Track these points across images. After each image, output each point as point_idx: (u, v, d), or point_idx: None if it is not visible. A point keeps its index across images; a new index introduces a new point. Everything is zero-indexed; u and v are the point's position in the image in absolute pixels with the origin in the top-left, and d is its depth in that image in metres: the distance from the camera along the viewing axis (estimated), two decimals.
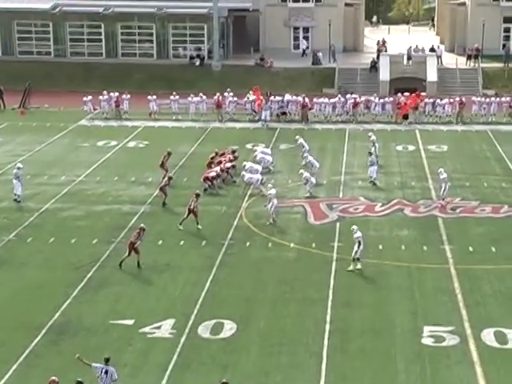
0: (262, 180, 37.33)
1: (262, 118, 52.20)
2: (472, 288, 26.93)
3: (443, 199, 35.52)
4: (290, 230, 32.72)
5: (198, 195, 32.95)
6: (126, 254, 28.60)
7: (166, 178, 36.44)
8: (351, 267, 28.15)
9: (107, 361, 19.83)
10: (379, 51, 67.30)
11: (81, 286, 27.17)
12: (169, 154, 39.67)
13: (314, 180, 36.85)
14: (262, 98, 53.15)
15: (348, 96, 54.19)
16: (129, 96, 54.15)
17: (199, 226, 32.38)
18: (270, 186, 34.98)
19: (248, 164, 38.30)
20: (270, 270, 28.65)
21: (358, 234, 28.35)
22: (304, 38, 70.69)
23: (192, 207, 32.33)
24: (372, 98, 53.60)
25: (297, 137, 43.60)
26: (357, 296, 26.41)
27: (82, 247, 30.72)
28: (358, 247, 28.21)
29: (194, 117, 53.45)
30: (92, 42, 69.08)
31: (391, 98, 54.12)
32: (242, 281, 27.76)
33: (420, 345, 23.10)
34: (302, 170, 37.48)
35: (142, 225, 29.55)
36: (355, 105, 52.88)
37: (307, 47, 69.47)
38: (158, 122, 52.98)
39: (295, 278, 27.95)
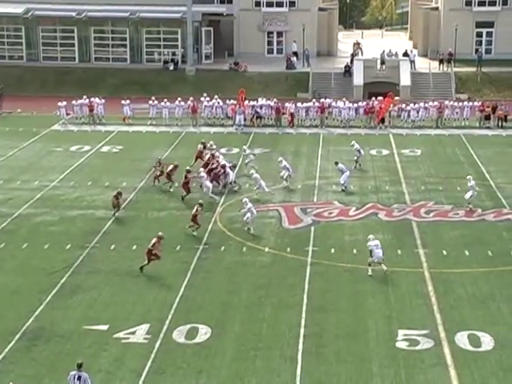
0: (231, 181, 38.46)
1: (236, 122, 52.19)
2: (446, 291, 27.06)
3: (468, 204, 35.51)
4: (264, 234, 32.71)
5: (201, 204, 32.95)
6: (146, 262, 28.58)
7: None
8: (370, 272, 28.29)
9: (80, 366, 19.67)
10: (353, 55, 67.52)
11: (54, 292, 26.98)
12: (175, 166, 39.22)
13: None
14: (241, 102, 53.12)
15: (322, 100, 54.38)
16: (103, 101, 53.96)
17: (194, 233, 32.31)
18: (244, 200, 33.65)
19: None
20: (244, 275, 28.61)
21: (373, 242, 28.42)
22: (294, 41, 70.46)
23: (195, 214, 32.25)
24: (341, 103, 53.75)
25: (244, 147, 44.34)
26: (331, 300, 26.44)
27: (56, 253, 30.52)
28: (371, 255, 28.30)
29: (168, 121, 53.36)
30: (65, 46, 68.78)
31: (364, 102, 54.25)
32: (216, 285, 27.71)
33: (394, 348, 23.17)
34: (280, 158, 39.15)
35: (160, 233, 29.30)
36: (322, 109, 53.01)
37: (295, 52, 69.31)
38: (132, 126, 52.81)
39: (270, 282, 27.93)
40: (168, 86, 61.87)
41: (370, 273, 28.13)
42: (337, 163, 39.48)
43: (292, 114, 52.84)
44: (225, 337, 23.94)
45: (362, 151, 42.74)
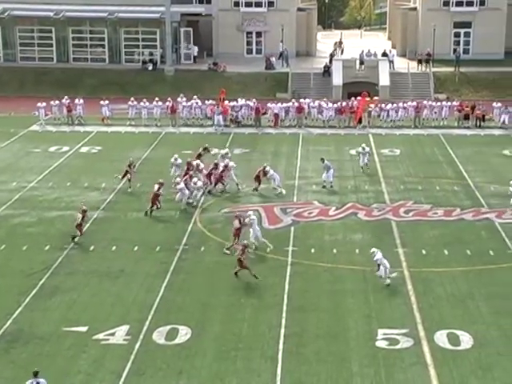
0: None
1: (215, 122, 52.13)
2: (425, 291, 27.15)
3: None
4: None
5: (161, 184, 34.60)
6: (237, 267, 28.13)
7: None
8: (388, 281, 27.40)
9: (36, 374, 19.49)
10: (332, 55, 67.63)
11: (33, 294, 26.82)
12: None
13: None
14: (220, 102, 53.09)
15: (301, 100, 54.48)
16: (82, 101, 53.74)
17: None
18: (250, 212, 32.04)
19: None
20: (224, 275, 28.56)
21: (378, 255, 27.47)
22: (281, 41, 70.45)
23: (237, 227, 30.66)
24: (323, 103, 53.87)
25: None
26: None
27: (34, 254, 30.33)
28: (378, 269, 27.52)
29: (147, 122, 53.23)
30: (43, 46, 68.39)
31: (338, 104, 54.20)
32: (196, 286, 27.65)
33: (374, 348, 23.21)
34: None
35: (245, 241, 28.93)
36: (300, 109, 53.08)
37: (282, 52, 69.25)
38: (110, 127, 52.63)
39: (250, 282, 27.89)
40: (147, 86, 61.72)
41: (388, 282, 27.25)
42: (323, 160, 39.36)
43: (276, 115, 52.84)
44: (205, 337, 23.90)
45: (367, 157, 41.85)
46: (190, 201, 35.91)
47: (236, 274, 28.00)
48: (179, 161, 39.43)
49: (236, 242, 30.07)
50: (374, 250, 27.74)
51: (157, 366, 22.22)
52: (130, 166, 38.75)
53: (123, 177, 38.58)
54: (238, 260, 27.84)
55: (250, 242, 29.72)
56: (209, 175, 38.33)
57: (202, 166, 38.99)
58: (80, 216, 31.66)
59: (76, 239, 31.29)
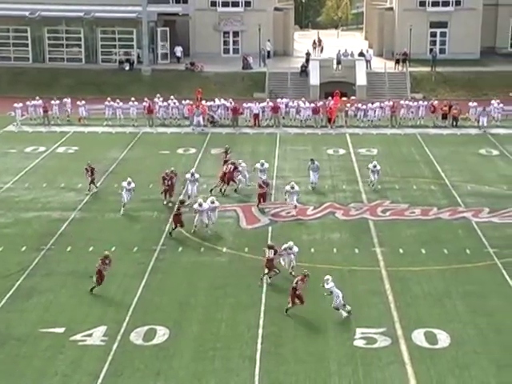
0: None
1: (194, 123, 52.01)
2: (403, 290, 27.24)
3: None
4: (222, 234, 32.65)
5: (182, 202, 33.15)
6: (271, 272, 27.53)
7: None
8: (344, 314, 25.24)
9: None
10: (308, 55, 67.72)
11: (9, 295, 26.64)
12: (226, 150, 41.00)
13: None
14: (198, 102, 53.02)
15: (278, 100, 54.54)
16: (58, 101, 53.49)
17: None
18: (290, 243, 28.58)
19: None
20: (202, 275, 28.52)
21: (330, 284, 25.24)
22: (268, 40, 70.54)
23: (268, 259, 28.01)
24: (301, 103, 53.95)
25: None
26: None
27: (11, 255, 30.12)
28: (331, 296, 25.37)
29: (124, 122, 53.07)
30: (18, 46, 68.04)
31: (312, 104, 54.24)
32: (174, 286, 27.58)
33: (352, 347, 23.26)
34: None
35: (291, 247, 27.98)
36: (276, 109, 53.10)
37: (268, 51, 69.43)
38: (87, 127, 52.39)
39: (228, 282, 27.88)
40: (124, 86, 61.52)
41: (345, 315, 25.10)
42: (313, 161, 39.11)
43: (256, 115, 52.82)
44: (183, 338, 23.84)
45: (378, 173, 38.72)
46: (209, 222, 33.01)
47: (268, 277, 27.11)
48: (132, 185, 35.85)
49: (267, 274, 27.72)
50: (327, 277, 25.31)
51: (134, 366, 22.14)
52: (91, 170, 37.79)
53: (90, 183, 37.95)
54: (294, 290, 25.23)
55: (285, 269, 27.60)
56: (223, 175, 38.14)
57: (243, 164, 38.86)
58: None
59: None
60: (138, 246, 31.17)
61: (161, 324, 24.52)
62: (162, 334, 23.99)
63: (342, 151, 46.79)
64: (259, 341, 23.60)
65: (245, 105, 53.57)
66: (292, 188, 34.91)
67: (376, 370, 22.05)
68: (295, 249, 28.18)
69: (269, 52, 70.00)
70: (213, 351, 23.00)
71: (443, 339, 23.68)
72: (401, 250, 30.87)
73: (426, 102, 54.38)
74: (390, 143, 48.87)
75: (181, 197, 35.78)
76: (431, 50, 68.49)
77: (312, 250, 30.77)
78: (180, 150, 46.37)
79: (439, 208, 35.96)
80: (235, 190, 38.11)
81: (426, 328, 24.33)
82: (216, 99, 54.40)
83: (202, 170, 41.96)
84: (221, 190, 37.96)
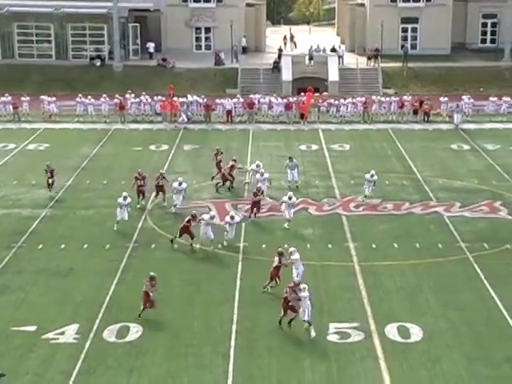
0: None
1: (180, 120, 51.74)
2: (375, 284, 27.32)
3: None
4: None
5: (194, 216, 30.54)
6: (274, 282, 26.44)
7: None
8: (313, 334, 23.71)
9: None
10: (280, 51, 67.71)
11: None
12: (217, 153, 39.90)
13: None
14: (169, 98, 52.84)
15: (251, 96, 54.51)
16: (28, 98, 53.06)
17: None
18: (292, 249, 27.51)
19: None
20: (176, 272, 28.45)
21: (306, 293, 23.82)
22: (243, 36, 70.44)
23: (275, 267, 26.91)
24: (273, 99, 53.99)
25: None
26: (263, 295, 26.42)
27: None
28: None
29: (95, 118, 52.78)
30: None
31: (285, 100, 54.33)
32: None
33: (326, 342, 23.29)
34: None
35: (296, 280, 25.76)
36: (251, 105, 53.08)
37: None
38: (58, 124, 52.03)
39: (201, 279, 27.82)
40: (95, 82, 61.11)
41: (313, 334, 23.59)
42: (291, 158, 38.70)
43: (229, 111, 52.75)
44: (156, 335, 23.75)
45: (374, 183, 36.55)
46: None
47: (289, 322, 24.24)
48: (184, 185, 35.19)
49: (270, 284, 26.68)
50: (304, 286, 23.94)
51: (107, 364, 22.01)
52: (51, 172, 36.83)
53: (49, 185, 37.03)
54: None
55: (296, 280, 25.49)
56: (223, 175, 37.90)
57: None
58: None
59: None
60: (110, 243, 31.00)
61: (134, 321, 24.39)
62: (135, 331, 23.88)
63: (314, 147, 46.84)
64: (233, 336, 23.57)
65: (217, 101, 53.48)
66: (290, 199, 32.86)
67: (349, 364, 22.10)
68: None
69: (244, 48, 69.90)
70: (186, 348, 22.93)
71: (416, 333, 23.78)
72: (373, 245, 30.96)
73: (397, 98, 54.57)
74: (363, 139, 49.00)
75: (152, 200, 35.18)
76: (402, 45, 68.69)
77: (285, 245, 30.69)
78: (152, 147, 46.19)
79: (411, 203, 36.12)
80: (229, 188, 37.82)
81: (398, 322, 24.42)
82: (188, 95, 54.25)
83: (174, 166, 41.91)
84: (229, 188, 37.82)
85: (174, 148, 46.03)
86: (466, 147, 46.62)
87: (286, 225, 32.78)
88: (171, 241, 30.91)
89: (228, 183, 37.96)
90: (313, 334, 23.47)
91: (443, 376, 21.55)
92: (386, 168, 42.05)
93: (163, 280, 27.69)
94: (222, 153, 40.07)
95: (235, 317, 24.81)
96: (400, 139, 48.32)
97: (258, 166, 37.90)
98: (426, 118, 53.12)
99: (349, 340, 23.40)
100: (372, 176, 36.16)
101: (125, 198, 32.50)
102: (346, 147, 46.68)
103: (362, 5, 72.94)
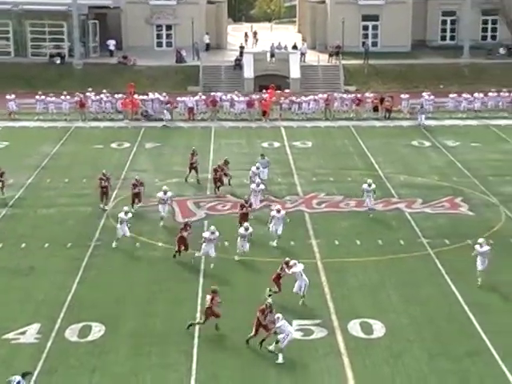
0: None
1: (166, 117, 51.46)
2: (338, 281, 27.41)
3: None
4: (157, 229, 32.40)
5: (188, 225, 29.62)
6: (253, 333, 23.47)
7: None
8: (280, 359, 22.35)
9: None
10: (242, 48, 67.67)
11: None
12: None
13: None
14: (130, 96, 52.57)
15: (213, 93, 54.43)
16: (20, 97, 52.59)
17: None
18: (293, 262, 26.19)
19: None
20: (138, 270, 28.31)
21: (281, 322, 22.28)
22: (206, 33, 70.29)
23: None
24: (235, 96, 54.00)
25: None
26: (227, 293, 26.25)
27: None
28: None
29: (56, 116, 52.34)
30: None
31: (246, 97, 54.34)
32: (109, 282, 27.30)
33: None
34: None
35: (269, 300, 23.70)
36: (214, 103, 53.00)
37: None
38: (18, 122, 51.49)
39: (164, 277, 27.71)
40: (55, 80, 60.53)
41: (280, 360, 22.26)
42: (263, 156, 38.55)
43: (190, 108, 52.59)
44: (119, 333, 23.61)
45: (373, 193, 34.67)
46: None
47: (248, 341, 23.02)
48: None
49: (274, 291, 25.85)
50: (278, 315, 22.49)
51: (69, 364, 21.83)
52: (1, 174, 36.03)
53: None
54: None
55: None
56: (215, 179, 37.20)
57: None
58: None
59: None
60: (72, 241, 30.75)
61: (96, 320, 24.22)
62: (97, 330, 23.71)
63: (276, 144, 46.90)
64: (196, 335, 23.50)
65: (179, 98, 53.32)
66: (278, 212, 30.98)
67: (313, 361, 22.15)
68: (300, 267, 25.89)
69: (208, 45, 69.73)
70: (149, 347, 22.82)
71: (378, 329, 23.91)
72: (336, 242, 31.07)
73: (359, 95, 54.88)
74: (324, 136, 49.16)
75: (138, 205, 34.03)
76: (363, 42, 69.09)
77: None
78: (114, 145, 45.94)
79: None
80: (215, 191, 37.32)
81: (361, 318, 24.53)
82: (149, 93, 54.04)
83: (136, 164, 41.75)
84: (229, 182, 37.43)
85: (135, 146, 45.80)
86: (427, 144, 46.99)
87: (274, 243, 30.66)
88: (174, 256, 29.09)
89: (224, 181, 37.22)
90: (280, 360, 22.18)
91: (405, 371, 21.69)
92: (348, 165, 42.23)
93: (125, 279, 27.62)
94: (197, 154, 39.51)
95: (198, 315, 24.71)
96: (361, 136, 48.56)
97: (257, 168, 37.02)
98: (387, 115, 53.46)
99: (312, 337, 23.46)
100: (370, 185, 34.11)
101: (126, 212, 30.32)
102: (307, 144, 46.80)
103: (323, 2, 73.12)
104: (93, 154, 43.66)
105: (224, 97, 54.09)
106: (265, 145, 46.52)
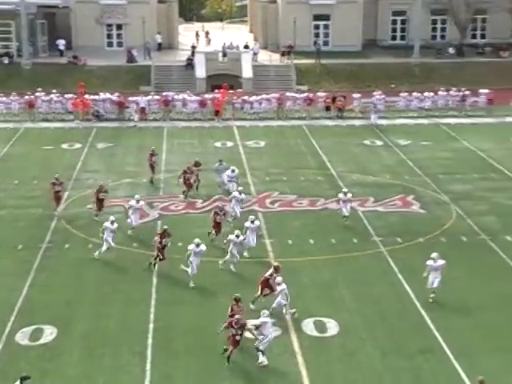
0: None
1: (135, 118, 50.99)
2: (292, 280, 27.27)
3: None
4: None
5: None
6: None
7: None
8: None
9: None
10: (194, 47, 67.46)
11: None
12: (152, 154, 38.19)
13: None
14: (80, 96, 52.12)
15: (165, 93, 54.22)
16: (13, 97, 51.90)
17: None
18: (279, 279, 25.02)
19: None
20: (90, 272, 28.04)
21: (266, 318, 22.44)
22: (158, 33, 69.91)
23: None
24: (187, 96, 53.86)
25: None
26: (179, 294, 26.30)
27: None
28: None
29: (7, 117, 51.70)
30: None
31: (207, 95, 54.40)
32: (61, 284, 27.01)
33: (243, 339, 23.20)
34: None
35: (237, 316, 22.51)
36: (166, 102, 52.78)
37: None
38: None
39: (117, 278, 27.50)
40: (3, 80, 59.64)
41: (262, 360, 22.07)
42: (221, 162, 37.75)
43: (143, 108, 52.28)
44: (71, 336, 23.36)
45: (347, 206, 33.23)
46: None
47: (225, 351, 22.17)
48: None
49: (260, 296, 25.31)
50: (265, 311, 22.71)
51: (20, 368, 21.45)
52: None
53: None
54: (232, 338, 21.94)
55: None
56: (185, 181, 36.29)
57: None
58: None
59: None
60: (22, 243, 30.36)
61: (48, 323, 23.93)
62: (49, 333, 23.43)
63: (229, 144, 46.85)
64: (150, 335, 23.37)
65: (131, 98, 52.98)
66: (252, 222, 29.64)
67: (267, 360, 22.08)
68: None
69: (160, 44, 69.37)
70: (102, 348, 22.61)
71: (332, 327, 24.00)
72: (289, 241, 31.11)
73: (311, 94, 55.08)
74: (277, 135, 49.24)
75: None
76: (315, 42, 69.36)
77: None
78: (64, 145, 45.48)
79: (326, 198, 36.42)
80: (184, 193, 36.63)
81: (315, 317, 24.59)
82: (101, 93, 53.62)
83: (87, 165, 41.37)
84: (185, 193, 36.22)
85: (87, 146, 45.40)
86: (379, 143, 47.32)
87: (245, 253, 29.29)
88: (149, 265, 28.02)
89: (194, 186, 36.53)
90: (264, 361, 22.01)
91: (359, 369, 21.80)
92: (301, 164, 42.34)
93: (78, 280, 27.34)
94: (157, 154, 39.20)
95: (152, 316, 24.59)
96: (314, 135, 48.72)
97: (233, 171, 36.22)
98: (339, 114, 53.73)
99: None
100: (346, 194, 33.08)
101: (112, 222, 29.13)
102: (260, 144, 46.83)
103: (274, 2, 73.25)
104: (43, 155, 43.17)
105: (176, 96, 53.89)
106: (218, 144, 46.44)
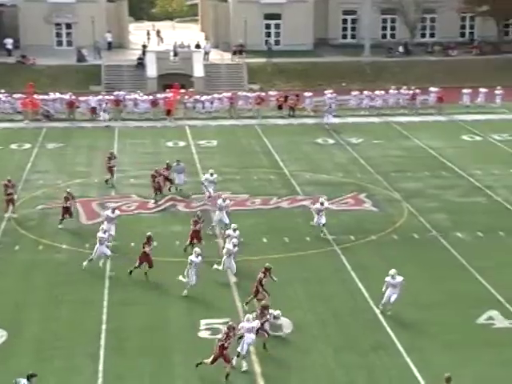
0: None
1: (101, 118, 50.32)
2: (246, 279, 27.35)
3: None
4: (61, 231, 31.76)
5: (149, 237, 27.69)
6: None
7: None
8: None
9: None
10: (144, 47, 67.11)
11: None
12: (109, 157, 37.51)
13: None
14: (29, 96, 51.53)
15: (116, 93, 53.85)
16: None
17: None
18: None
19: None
20: (41, 273, 27.71)
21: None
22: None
23: None
24: (138, 96, 53.61)
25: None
26: (133, 294, 26.11)
27: None
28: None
29: None
30: None
31: (158, 95, 54.22)
32: (11, 286, 26.65)
33: (197, 338, 23.18)
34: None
35: (230, 322, 22.05)
36: (117, 102, 52.43)
37: None
38: None
39: (68, 279, 27.20)
40: None
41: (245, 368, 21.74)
42: (179, 162, 37.46)
43: (93, 108, 51.85)
44: (21, 339, 23.04)
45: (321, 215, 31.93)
46: None
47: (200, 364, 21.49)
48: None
49: (253, 298, 25.07)
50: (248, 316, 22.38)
51: None
52: None
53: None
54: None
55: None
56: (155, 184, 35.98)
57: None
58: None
59: None
60: None
61: None
62: None
63: (181, 143, 46.67)
64: (102, 336, 23.16)
65: (81, 98, 52.50)
66: (234, 231, 28.94)
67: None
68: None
69: (110, 43, 68.87)
70: (53, 350, 22.35)
71: (286, 326, 23.99)
72: (242, 240, 31.00)
73: (263, 93, 55.13)
74: (229, 134, 49.18)
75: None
76: (266, 41, 69.48)
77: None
78: (13, 146, 44.89)
79: (279, 197, 36.47)
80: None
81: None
82: (51, 93, 53.06)
83: (37, 165, 40.91)
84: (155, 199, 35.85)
85: (36, 146, 44.87)
86: (331, 141, 47.54)
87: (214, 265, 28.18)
88: (130, 272, 27.26)
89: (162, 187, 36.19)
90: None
91: (312, 367, 21.85)
92: (254, 163, 42.34)
93: (28, 283, 26.98)
94: (115, 157, 38.73)
95: (104, 317, 24.38)
96: (266, 134, 48.77)
97: (211, 174, 35.66)
98: (291, 113, 53.85)
99: (220, 336, 23.30)
100: (322, 204, 31.78)
101: (105, 231, 28.35)
102: (213, 143, 46.74)
103: (225, 1, 73.21)
104: None
105: (127, 96, 53.54)
106: (170, 144, 46.23)
